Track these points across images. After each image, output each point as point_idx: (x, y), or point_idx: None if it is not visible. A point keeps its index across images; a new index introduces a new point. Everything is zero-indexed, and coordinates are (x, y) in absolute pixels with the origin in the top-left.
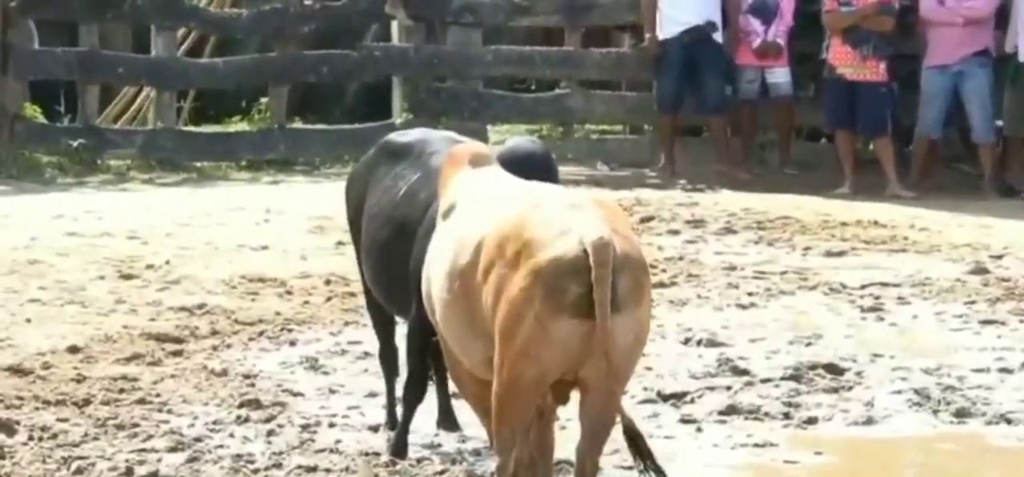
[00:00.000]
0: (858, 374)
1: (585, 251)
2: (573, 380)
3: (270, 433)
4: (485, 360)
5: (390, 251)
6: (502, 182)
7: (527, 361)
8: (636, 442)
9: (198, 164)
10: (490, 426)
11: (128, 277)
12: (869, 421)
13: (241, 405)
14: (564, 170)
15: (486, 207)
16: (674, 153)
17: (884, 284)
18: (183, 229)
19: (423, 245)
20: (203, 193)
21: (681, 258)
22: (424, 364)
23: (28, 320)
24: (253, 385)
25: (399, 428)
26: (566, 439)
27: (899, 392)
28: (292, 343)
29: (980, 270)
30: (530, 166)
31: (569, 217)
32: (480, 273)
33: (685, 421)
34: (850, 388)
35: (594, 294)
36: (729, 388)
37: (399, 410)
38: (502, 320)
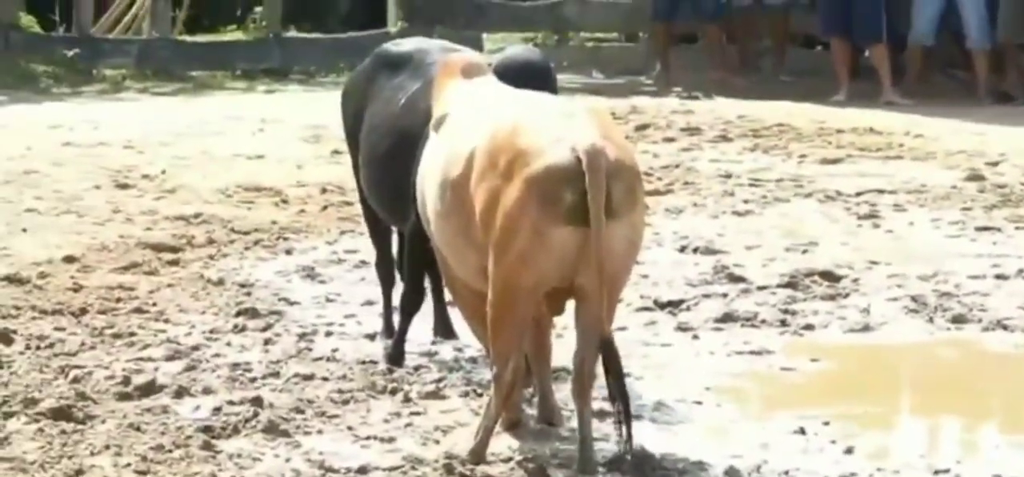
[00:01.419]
0: (854, 281)
1: (578, 159)
2: (569, 288)
3: (267, 342)
4: (479, 270)
5: (390, 162)
6: (494, 92)
7: (523, 270)
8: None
9: (193, 74)
10: (485, 336)
11: (124, 187)
12: (866, 328)
13: (238, 314)
14: (560, 78)
15: (478, 118)
16: (669, 60)
17: (880, 191)
18: (179, 139)
19: (421, 156)
20: (198, 103)
21: (677, 166)
22: (421, 273)
23: (24, 230)
24: (250, 294)
25: (396, 336)
26: (562, 347)
27: (895, 299)
28: (288, 252)
29: (976, 177)
30: (529, 75)
31: (561, 125)
32: (473, 184)
33: (682, 329)
34: (846, 295)
35: (588, 201)
36: (725, 295)
37: (396, 318)
38: (497, 230)
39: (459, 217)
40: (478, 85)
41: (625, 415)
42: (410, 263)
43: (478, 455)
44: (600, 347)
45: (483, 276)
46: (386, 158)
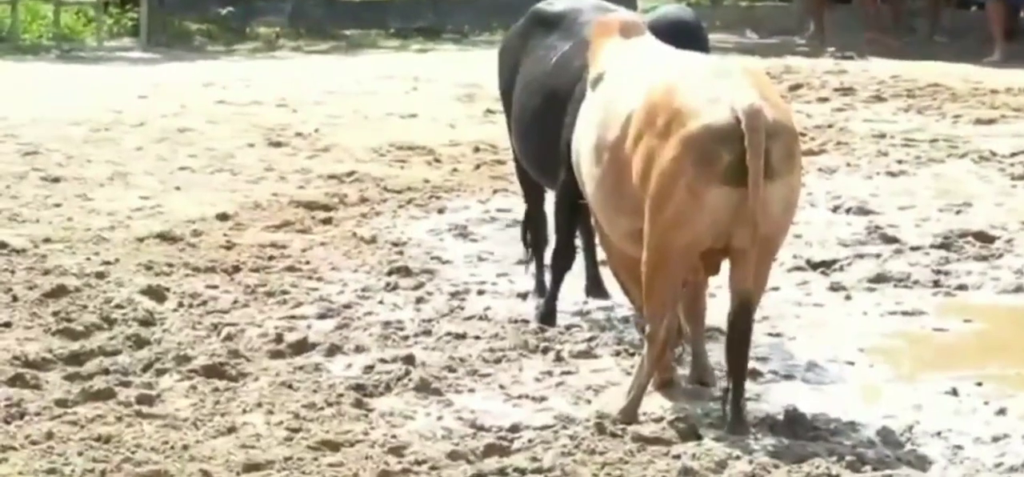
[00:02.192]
0: (1008, 242)
1: (736, 119)
2: (723, 249)
3: (419, 300)
4: (630, 234)
5: (541, 121)
6: (651, 52)
7: (678, 230)
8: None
9: (347, 32)
10: (637, 295)
11: (277, 145)
12: (1019, 289)
13: (390, 272)
14: (713, 38)
15: (634, 78)
16: (823, 21)
17: None
18: (332, 97)
19: (574, 114)
20: (352, 61)
21: (830, 126)
22: (571, 232)
23: (178, 188)
24: (402, 253)
25: (548, 296)
26: (715, 307)
27: None
28: (441, 211)
29: None
30: (680, 34)
31: (719, 85)
32: (628, 145)
33: (834, 289)
34: (1000, 256)
35: (747, 161)
36: (878, 256)
37: (547, 278)
38: (653, 190)
39: (613, 179)
40: (635, 45)
41: (736, 379)
42: (559, 222)
43: (630, 414)
44: (739, 308)
45: (633, 240)
46: (537, 116)
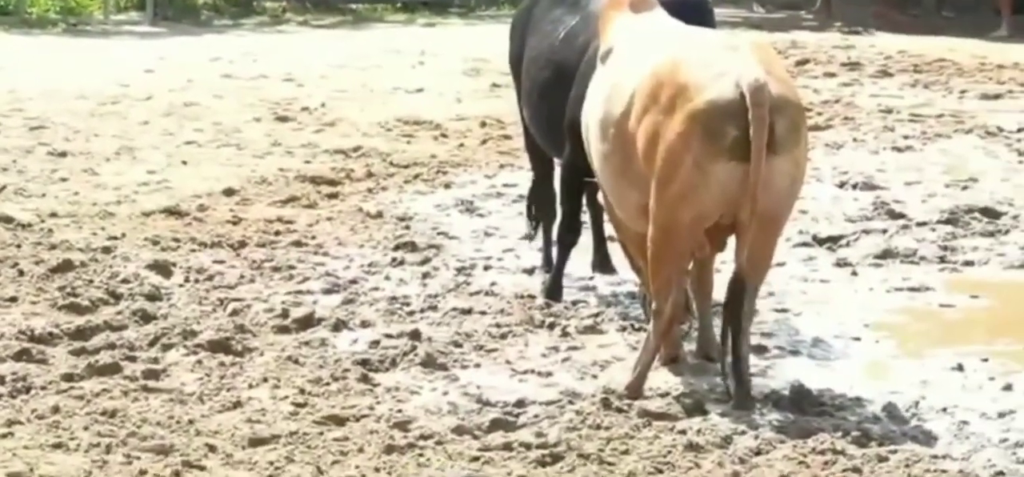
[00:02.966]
0: (1015, 218)
1: (742, 94)
2: (730, 224)
3: (425, 275)
4: (638, 210)
5: (548, 93)
6: (660, 27)
7: (684, 205)
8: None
9: (354, 6)
10: (645, 271)
11: (284, 119)
12: None
13: (396, 247)
14: (720, 13)
15: (642, 53)
16: None
17: None
18: (338, 71)
19: (580, 88)
20: (358, 35)
21: (837, 101)
22: (578, 207)
23: (184, 162)
24: (408, 228)
25: (554, 270)
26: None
27: None
28: (447, 186)
29: None
30: (687, 8)
31: (724, 60)
32: (633, 121)
33: (840, 264)
34: (1007, 232)
35: (751, 136)
36: (885, 231)
37: (554, 252)
38: (659, 165)
39: (620, 155)
40: (645, 19)
41: (735, 353)
42: (566, 197)
43: (636, 389)
44: (732, 282)
45: (641, 215)
46: (544, 89)
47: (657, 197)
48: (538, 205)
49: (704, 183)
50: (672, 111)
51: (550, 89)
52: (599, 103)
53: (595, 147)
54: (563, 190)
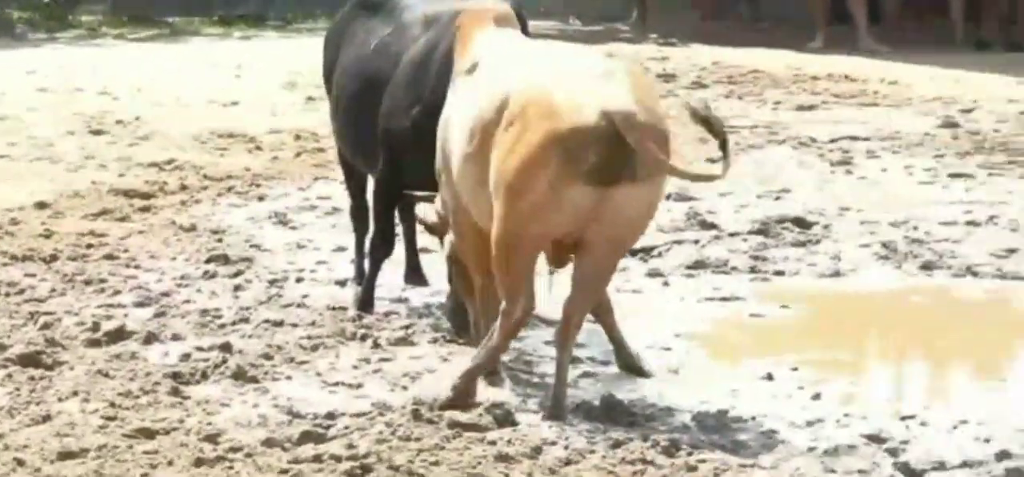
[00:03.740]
0: (826, 228)
1: (607, 121)
2: (572, 243)
3: (237, 288)
4: (491, 212)
5: (359, 104)
6: (533, 44)
7: (533, 220)
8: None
9: (170, 19)
10: (482, 279)
11: (98, 133)
12: (836, 274)
13: (209, 260)
14: (536, 24)
15: (516, 67)
16: (647, 7)
17: (854, 138)
18: (154, 84)
19: (394, 100)
20: (174, 48)
21: None
22: (391, 219)
23: None
24: (221, 240)
25: (366, 283)
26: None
27: (866, 245)
28: (261, 198)
29: (950, 124)
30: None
31: (596, 86)
32: (500, 130)
33: (652, 275)
34: (818, 241)
35: (637, 158)
36: (697, 242)
37: (367, 265)
38: (512, 174)
39: (482, 160)
40: (512, 36)
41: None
42: (379, 210)
43: (464, 394)
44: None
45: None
46: (355, 100)
47: (505, 205)
48: (352, 218)
49: (556, 203)
50: (536, 128)
51: (362, 99)
52: (469, 113)
53: (458, 153)
54: (376, 203)
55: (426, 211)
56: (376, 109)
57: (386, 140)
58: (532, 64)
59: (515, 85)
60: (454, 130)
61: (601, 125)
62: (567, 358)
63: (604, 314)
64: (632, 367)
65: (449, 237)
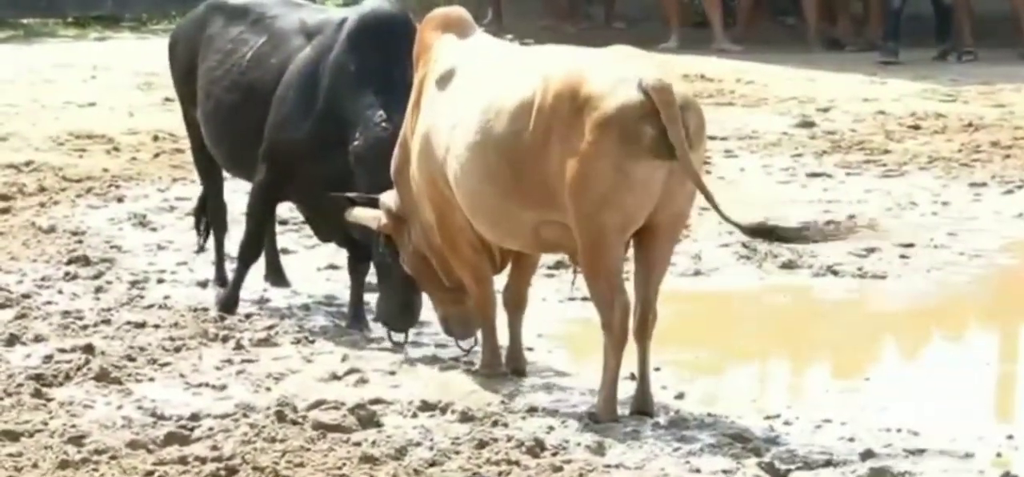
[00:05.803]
0: (685, 227)
1: (647, 95)
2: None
3: (98, 289)
4: (531, 229)
5: (238, 115)
6: (513, 48)
7: (610, 210)
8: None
9: (24, 21)
10: (479, 294)
11: None
12: (697, 273)
13: (69, 262)
14: None
15: (514, 73)
16: (501, 7)
17: (711, 137)
18: (9, 86)
19: (280, 112)
20: (29, 50)
21: None
22: (264, 226)
23: None
24: (81, 242)
25: (231, 284)
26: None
27: (726, 245)
28: (120, 200)
29: (806, 123)
30: (392, 31)
31: (622, 66)
32: (532, 137)
33: None
34: (677, 241)
35: (668, 134)
36: None
37: (228, 266)
38: (575, 177)
39: (508, 176)
40: (482, 41)
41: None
42: (254, 216)
43: (609, 411)
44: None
45: (536, 236)
46: (233, 111)
47: (578, 211)
48: (210, 218)
49: (627, 185)
50: (580, 122)
51: (240, 110)
52: (468, 129)
53: (465, 173)
54: (253, 209)
55: (362, 214)
56: (257, 119)
57: (273, 150)
58: (540, 66)
59: (530, 90)
60: (456, 150)
61: (645, 100)
62: (649, 354)
63: (515, 311)
64: (520, 370)
65: (410, 246)
